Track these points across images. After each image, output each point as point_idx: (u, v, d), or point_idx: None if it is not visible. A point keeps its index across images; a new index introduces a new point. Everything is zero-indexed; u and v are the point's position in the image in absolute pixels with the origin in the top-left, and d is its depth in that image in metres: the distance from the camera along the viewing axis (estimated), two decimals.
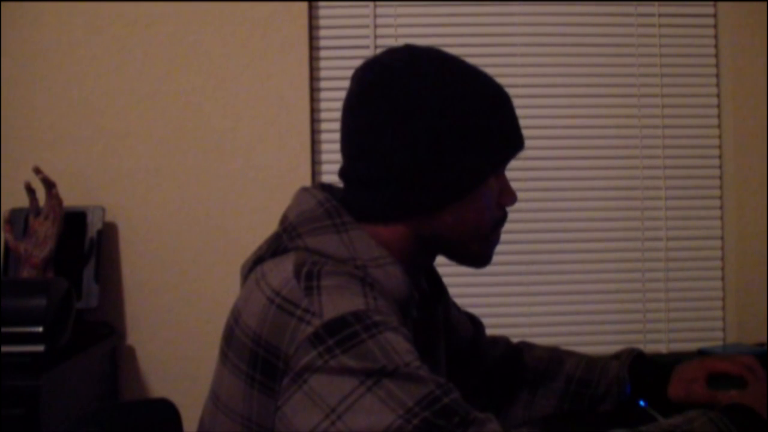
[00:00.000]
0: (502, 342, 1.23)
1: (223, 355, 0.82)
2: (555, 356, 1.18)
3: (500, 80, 0.91)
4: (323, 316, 0.74)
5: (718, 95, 2.16)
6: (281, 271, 0.80)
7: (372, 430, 0.69)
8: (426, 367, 0.74)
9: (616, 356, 1.17)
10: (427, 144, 0.84)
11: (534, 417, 1.17)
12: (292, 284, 0.77)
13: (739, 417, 0.84)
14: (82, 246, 1.92)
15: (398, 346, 0.74)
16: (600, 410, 1.14)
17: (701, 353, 1.70)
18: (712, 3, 2.16)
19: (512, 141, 0.90)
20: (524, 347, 1.22)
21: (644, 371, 1.13)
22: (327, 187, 0.93)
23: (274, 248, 0.86)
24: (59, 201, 1.82)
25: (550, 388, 1.15)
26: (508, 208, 0.93)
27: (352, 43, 2.11)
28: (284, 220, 0.88)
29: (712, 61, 2.16)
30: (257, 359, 0.76)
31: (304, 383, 0.72)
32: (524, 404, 1.17)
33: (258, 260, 0.87)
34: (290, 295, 0.76)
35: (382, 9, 2.12)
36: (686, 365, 1.12)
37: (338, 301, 0.75)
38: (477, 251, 0.91)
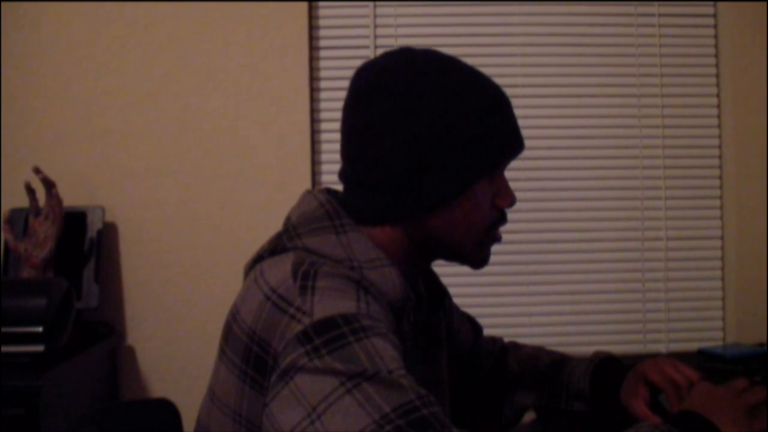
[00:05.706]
0: (497, 345, 1.24)
1: (221, 351, 0.83)
2: (533, 357, 1.20)
3: (500, 80, 0.90)
4: (313, 315, 0.74)
5: (718, 95, 2.16)
6: (279, 270, 0.81)
7: None
8: (411, 378, 0.74)
9: (589, 359, 1.17)
10: (415, 149, 0.84)
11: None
12: (289, 283, 0.78)
13: (691, 428, 0.83)
14: (82, 246, 1.92)
15: (384, 352, 0.74)
16: (576, 409, 1.14)
17: (701, 353, 1.71)
18: (712, 3, 2.16)
19: (509, 144, 0.89)
20: (510, 349, 1.24)
21: (604, 377, 1.12)
22: (331, 192, 0.94)
23: (273, 247, 0.87)
24: (59, 201, 1.82)
25: (527, 389, 1.17)
26: (508, 209, 0.93)
27: (352, 43, 2.11)
28: (287, 221, 0.90)
29: (712, 61, 2.16)
30: (250, 355, 0.77)
31: (290, 380, 0.73)
32: (509, 406, 1.19)
33: (258, 259, 0.88)
34: (286, 293, 0.77)
35: (382, 9, 2.12)
36: (632, 373, 1.10)
37: (330, 302, 0.76)
38: (471, 252, 0.91)
